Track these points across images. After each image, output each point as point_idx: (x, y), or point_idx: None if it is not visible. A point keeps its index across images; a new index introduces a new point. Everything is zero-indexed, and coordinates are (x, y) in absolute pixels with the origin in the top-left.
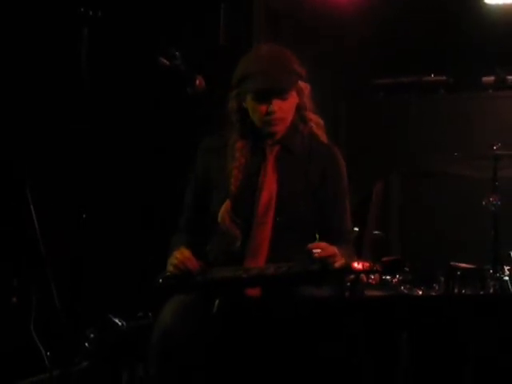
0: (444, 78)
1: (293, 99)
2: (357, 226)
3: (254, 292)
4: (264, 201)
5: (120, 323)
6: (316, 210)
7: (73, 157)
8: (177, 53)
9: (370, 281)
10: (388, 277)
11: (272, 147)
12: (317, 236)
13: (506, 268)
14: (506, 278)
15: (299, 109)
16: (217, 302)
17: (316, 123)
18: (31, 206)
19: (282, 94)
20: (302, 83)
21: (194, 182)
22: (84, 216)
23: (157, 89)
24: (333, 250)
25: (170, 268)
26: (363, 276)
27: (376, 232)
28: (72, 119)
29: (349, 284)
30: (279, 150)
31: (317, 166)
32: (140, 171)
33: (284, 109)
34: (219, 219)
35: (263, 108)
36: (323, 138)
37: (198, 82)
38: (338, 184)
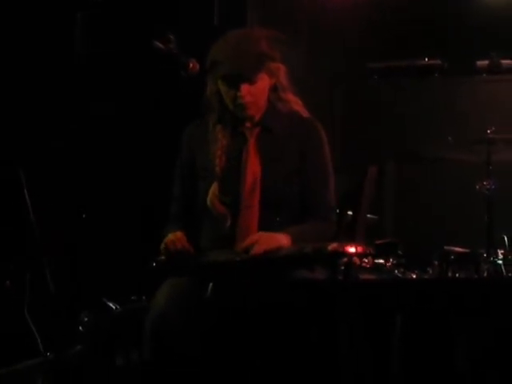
0: (438, 61)
1: (263, 82)
2: (350, 210)
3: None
4: (248, 184)
5: (114, 307)
6: (300, 188)
7: (68, 147)
8: (171, 36)
9: (364, 264)
10: (382, 260)
11: (252, 130)
12: None
13: (500, 252)
14: (500, 261)
15: (275, 89)
16: (210, 285)
17: (295, 102)
18: (25, 192)
19: (249, 78)
20: (274, 64)
21: (180, 171)
22: (80, 203)
23: (152, 74)
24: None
25: (161, 250)
26: (356, 259)
27: (370, 216)
28: (70, 118)
29: (342, 267)
30: (259, 131)
31: (297, 143)
32: (135, 161)
33: (253, 92)
34: (208, 202)
35: (232, 92)
36: (304, 113)
37: (191, 65)
38: (317, 158)
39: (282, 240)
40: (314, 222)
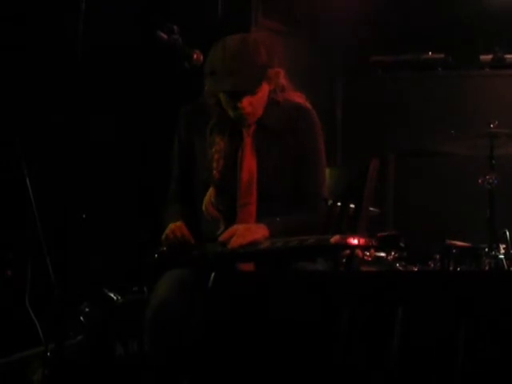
0: (442, 55)
1: (263, 91)
2: (353, 203)
3: (248, 267)
4: (245, 181)
5: (115, 298)
6: (292, 179)
7: (67, 136)
8: (175, 27)
9: (366, 257)
10: (383, 254)
11: (248, 128)
12: None
13: (502, 246)
14: (501, 256)
15: (275, 91)
16: (212, 276)
17: (297, 96)
18: (27, 181)
19: (251, 91)
20: (273, 70)
21: (179, 153)
22: (79, 195)
23: (155, 65)
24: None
25: (162, 241)
26: (359, 251)
27: (372, 209)
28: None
29: (344, 260)
30: (255, 128)
31: (291, 134)
32: (137, 149)
33: (254, 103)
34: (203, 208)
35: (233, 103)
36: (301, 104)
37: (195, 56)
38: (307, 143)
39: (259, 232)
40: (298, 213)
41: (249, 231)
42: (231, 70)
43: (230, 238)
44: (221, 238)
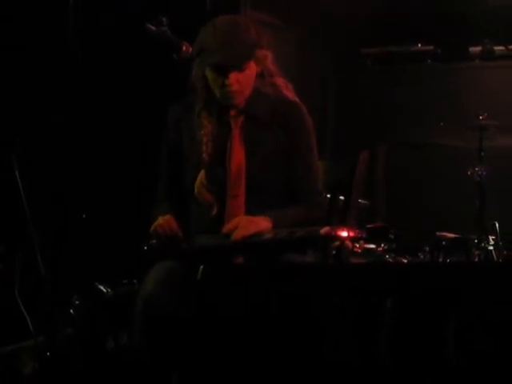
0: (431, 47)
1: (251, 70)
2: (342, 195)
3: (238, 259)
4: (233, 174)
5: (105, 290)
6: (286, 174)
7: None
8: (164, 19)
9: (355, 249)
10: (373, 245)
11: (236, 119)
12: None
13: (491, 238)
14: (491, 247)
15: (262, 75)
16: (201, 268)
17: (284, 86)
18: (17, 174)
19: (238, 67)
20: (261, 51)
21: (167, 150)
22: (71, 189)
23: (144, 57)
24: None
25: (151, 234)
26: (348, 243)
27: (361, 201)
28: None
29: (334, 251)
30: (244, 120)
31: (281, 128)
32: (127, 145)
33: (241, 81)
34: (195, 190)
35: (220, 80)
36: (290, 97)
37: (184, 48)
38: (299, 140)
39: (262, 224)
40: (298, 205)
41: (252, 223)
42: (220, 46)
43: (233, 229)
44: (224, 230)
